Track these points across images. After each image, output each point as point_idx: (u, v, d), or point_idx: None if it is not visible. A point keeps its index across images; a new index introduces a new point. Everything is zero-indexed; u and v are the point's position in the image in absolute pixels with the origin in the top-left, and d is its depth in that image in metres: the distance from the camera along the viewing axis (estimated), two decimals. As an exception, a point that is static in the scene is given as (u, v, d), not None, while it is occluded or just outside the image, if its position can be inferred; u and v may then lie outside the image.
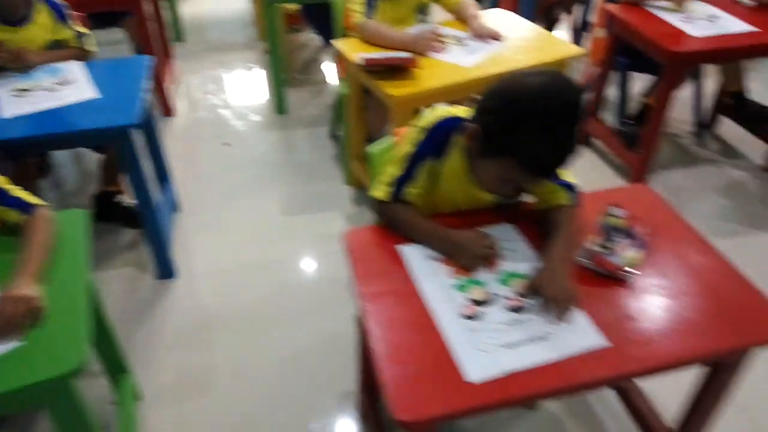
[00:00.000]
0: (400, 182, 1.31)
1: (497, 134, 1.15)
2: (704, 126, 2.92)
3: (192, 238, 2.35)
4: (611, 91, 2.83)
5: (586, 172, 2.74)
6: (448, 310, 1.14)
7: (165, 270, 2.12)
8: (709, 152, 2.84)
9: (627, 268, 1.20)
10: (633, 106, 2.86)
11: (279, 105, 3.18)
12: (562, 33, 3.61)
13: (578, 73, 3.24)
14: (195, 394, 1.78)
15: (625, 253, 1.24)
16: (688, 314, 1.14)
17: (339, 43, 2.21)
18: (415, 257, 1.26)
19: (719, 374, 1.22)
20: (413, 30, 2.17)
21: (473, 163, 1.27)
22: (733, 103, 2.77)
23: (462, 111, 1.29)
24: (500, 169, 1.18)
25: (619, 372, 1.05)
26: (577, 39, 3.44)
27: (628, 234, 1.28)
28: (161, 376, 1.82)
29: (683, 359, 1.09)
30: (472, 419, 1.69)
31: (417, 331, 1.09)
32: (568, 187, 1.31)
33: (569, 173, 1.33)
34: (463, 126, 1.25)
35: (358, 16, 2.20)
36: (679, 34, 2.29)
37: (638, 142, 2.51)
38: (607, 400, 1.72)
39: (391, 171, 1.32)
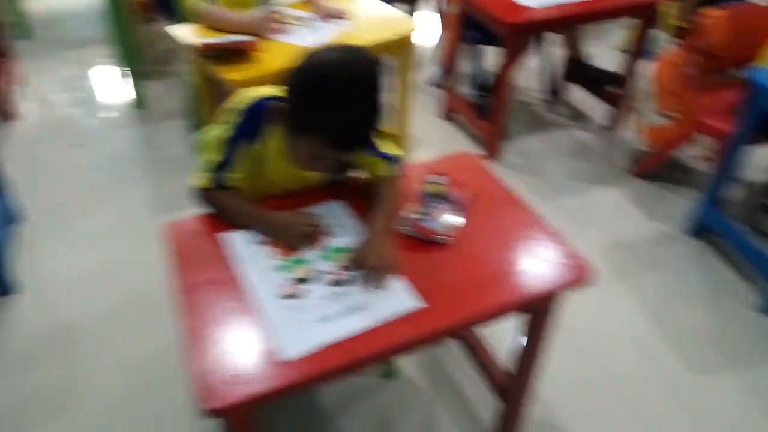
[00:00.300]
0: (220, 168, 1.29)
1: (301, 111, 1.15)
2: (554, 93, 3.10)
3: (41, 249, 2.19)
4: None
5: (447, 144, 2.83)
6: (268, 292, 1.14)
7: (2, 286, 1.96)
8: (559, 117, 3.02)
9: (443, 232, 1.25)
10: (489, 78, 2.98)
11: (138, 100, 3.03)
12: (427, 13, 3.69)
13: (439, 49, 3.33)
14: (45, 417, 1.67)
15: (443, 218, 1.29)
16: (501, 268, 1.21)
17: (177, 30, 2.13)
18: (239, 243, 1.24)
19: (537, 319, 1.31)
20: (255, 13, 2.13)
21: (289, 142, 1.27)
22: (575, 69, 2.96)
23: (275, 90, 1.27)
24: (310, 145, 1.19)
25: (432, 329, 1.09)
26: (441, 17, 3.53)
27: (447, 199, 1.34)
28: (1, 402, 1.69)
29: (496, 310, 1.15)
30: (333, 392, 1.72)
31: (234, 318, 1.08)
32: (388, 158, 1.34)
33: (391, 145, 1.36)
34: (274, 105, 1.24)
35: (196, 2, 2.13)
36: (515, 6, 2.40)
37: (490, 112, 2.62)
38: (458, 357, 1.81)
39: (210, 157, 1.29)
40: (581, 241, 2.30)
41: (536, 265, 1.23)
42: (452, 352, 1.84)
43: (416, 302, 1.13)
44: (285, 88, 1.19)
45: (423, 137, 2.83)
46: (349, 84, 1.11)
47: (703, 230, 2.27)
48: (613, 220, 2.40)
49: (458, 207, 1.33)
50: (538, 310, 1.29)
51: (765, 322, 1.99)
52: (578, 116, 3.02)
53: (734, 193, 2.47)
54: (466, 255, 1.24)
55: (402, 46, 2.19)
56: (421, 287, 1.16)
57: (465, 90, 3.00)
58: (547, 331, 1.33)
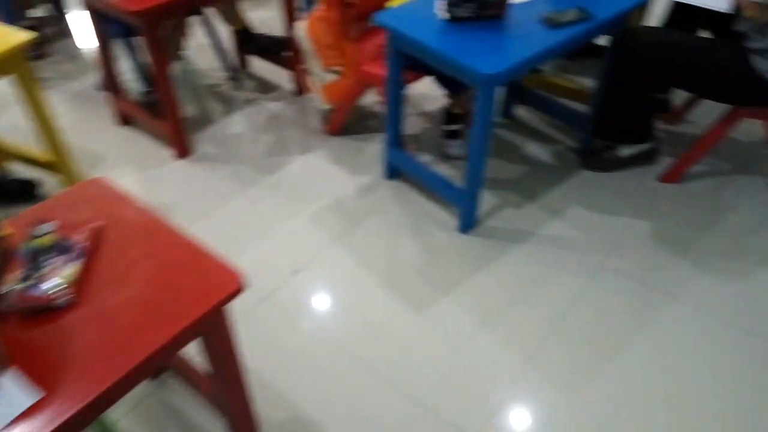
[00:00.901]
0: None
1: None
2: (235, 69, 2.96)
3: None
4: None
5: (130, 152, 2.53)
6: None
7: None
8: (248, 93, 2.90)
9: (59, 293, 1.04)
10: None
11: None
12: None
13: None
14: None
15: (60, 273, 1.07)
16: (142, 310, 1.05)
17: None
18: None
19: (210, 338, 1.19)
20: None
21: None
22: (244, 40, 2.84)
23: None
24: None
25: (56, 424, 0.89)
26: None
27: (61, 249, 1.11)
28: None
29: (145, 362, 0.99)
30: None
31: None
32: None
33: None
34: None
35: None
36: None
37: (161, 108, 2.38)
38: (179, 389, 1.65)
39: None
40: (296, 217, 2.27)
41: (182, 291, 1.09)
42: (172, 385, 1.66)
43: (30, 396, 0.91)
44: None
45: (102, 151, 2.49)
46: None
47: (395, 171, 2.38)
48: (318, 185, 2.38)
49: (77, 254, 1.11)
50: (204, 332, 1.16)
51: (464, 239, 2.16)
52: (266, 87, 2.93)
53: (420, 128, 2.65)
54: (97, 309, 1.05)
55: (10, 62, 1.82)
56: (38, 373, 0.94)
57: (133, 89, 2.69)
58: (228, 343, 1.22)
